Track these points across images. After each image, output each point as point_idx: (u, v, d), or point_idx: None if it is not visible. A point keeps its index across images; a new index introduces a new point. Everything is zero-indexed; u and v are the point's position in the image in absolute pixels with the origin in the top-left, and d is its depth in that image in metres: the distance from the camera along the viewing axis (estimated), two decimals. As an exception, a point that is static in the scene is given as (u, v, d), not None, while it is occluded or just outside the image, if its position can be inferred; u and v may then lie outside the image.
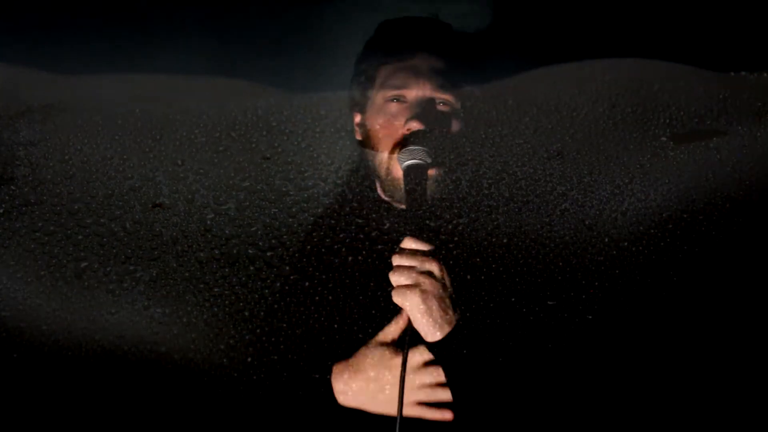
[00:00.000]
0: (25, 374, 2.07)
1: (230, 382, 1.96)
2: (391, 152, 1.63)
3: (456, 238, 1.80)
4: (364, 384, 1.50)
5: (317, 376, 1.78)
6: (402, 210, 1.63)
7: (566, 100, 2.22)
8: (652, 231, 2.23)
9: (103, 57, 2.24)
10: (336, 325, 1.76)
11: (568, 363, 1.68)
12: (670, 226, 2.24)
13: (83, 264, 2.09)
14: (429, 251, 1.43)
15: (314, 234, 1.78)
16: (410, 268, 1.41)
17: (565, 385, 1.64)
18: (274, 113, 2.12)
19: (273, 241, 1.94)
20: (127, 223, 2.09)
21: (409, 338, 1.40)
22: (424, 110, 1.59)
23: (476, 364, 1.44)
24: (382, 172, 1.66)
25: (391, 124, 1.62)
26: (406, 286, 1.39)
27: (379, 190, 1.73)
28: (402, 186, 1.57)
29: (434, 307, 1.38)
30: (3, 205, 2.10)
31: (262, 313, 1.91)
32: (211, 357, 2.00)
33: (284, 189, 2.00)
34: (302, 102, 2.09)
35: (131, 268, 2.06)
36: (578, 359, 1.74)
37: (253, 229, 2.00)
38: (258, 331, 1.91)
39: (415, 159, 1.54)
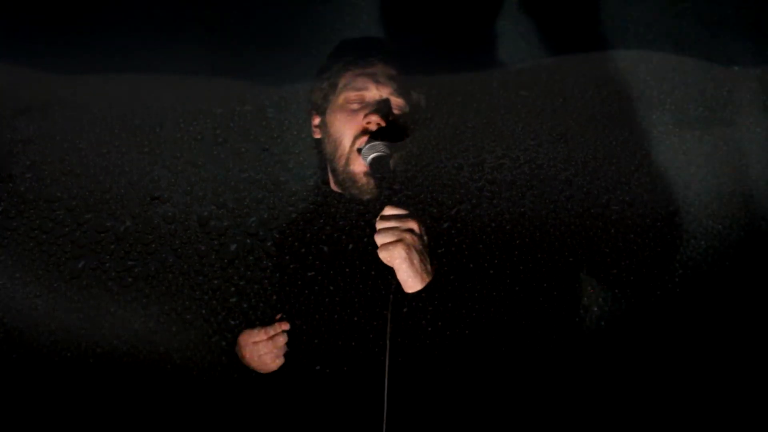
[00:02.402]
0: (24, 372, 2.05)
1: (230, 377, 1.94)
2: (352, 145, 1.82)
3: (458, 224, 1.79)
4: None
5: (318, 368, 1.78)
6: (351, 200, 1.85)
7: (573, 87, 2.21)
8: (659, 224, 2.21)
9: (103, 57, 2.23)
10: (336, 315, 1.75)
11: (565, 355, 1.81)
12: (677, 219, 2.22)
13: (82, 260, 2.07)
14: (407, 214, 1.63)
15: (314, 223, 1.83)
16: (393, 228, 1.61)
17: (560, 376, 1.78)
18: (273, 105, 2.11)
19: (272, 231, 1.94)
20: (126, 218, 2.08)
21: (394, 289, 1.60)
22: (381, 108, 1.82)
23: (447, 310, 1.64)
24: (341, 165, 1.84)
25: (351, 118, 1.83)
26: (391, 243, 1.60)
27: (332, 184, 1.91)
28: (358, 180, 1.81)
29: (416, 260, 1.59)
30: (2, 203, 2.09)
31: (261, 305, 1.89)
32: (210, 351, 1.98)
33: (283, 179, 2.00)
34: (301, 93, 2.09)
35: (130, 263, 2.05)
36: (578, 351, 1.81)
37: (252, 219, 1.99)
38: (258, 323, 1.89)
39: (377, 152, 1.74)
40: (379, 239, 1.62)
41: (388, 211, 1.66)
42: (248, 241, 1.90)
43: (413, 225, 1.61)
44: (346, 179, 1.84)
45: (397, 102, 1.86)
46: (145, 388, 2.03)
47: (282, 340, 1.80)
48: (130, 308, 2.07)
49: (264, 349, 1.80)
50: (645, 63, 2.28)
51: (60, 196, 2.09)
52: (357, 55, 1.92)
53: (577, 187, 1.99)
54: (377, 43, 2.03)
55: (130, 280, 2.05)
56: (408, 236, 1.59)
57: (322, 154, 1.93)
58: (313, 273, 1.82)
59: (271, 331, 1.80)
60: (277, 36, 2.22)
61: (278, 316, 1.86)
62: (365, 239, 1.75)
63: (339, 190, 1.89)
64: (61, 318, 2.07)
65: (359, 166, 1.81)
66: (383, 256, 1.61)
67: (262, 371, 1.84)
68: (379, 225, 1.64)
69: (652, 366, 2.06)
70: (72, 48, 2.23)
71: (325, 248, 1.82)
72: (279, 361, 1.81)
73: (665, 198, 2.20)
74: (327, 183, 1.94)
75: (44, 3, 2.25)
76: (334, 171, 1.89)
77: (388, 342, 1.57)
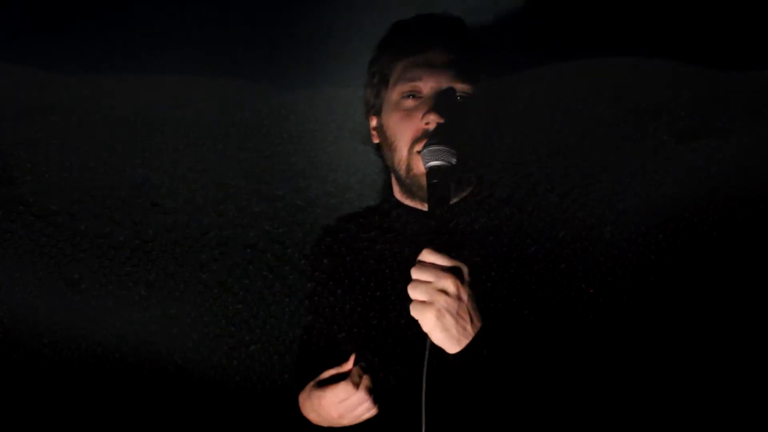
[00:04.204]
0: (23, 375, 2.07)
1: (230, 383, 1.96)
2: (410, 149, 1.57)
3: (457, 237, 1.79)
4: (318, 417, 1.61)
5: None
6: (420, 211, 1.59)
7: (568, 98, 2.21)
8: (653, 230, 2.22)
9: (103, 57, 2.23)
10: (336, 326, 1.74)
11: (570, 361, 1.68)
12: (672, 224, 2.23)
13: (82, 265, 2.09)
14: (447, 267, 1.40)
15: (317, 233, 1.77)
16: (427, 283, 1.39)
17: (567, 382, 1.64)
18: (275, 111, 2.11)
19: (272, 242, 1.93)
20: (126, 224, 2.08)
21: (429, 349, 1.40)
22: (441, 102, 1.53)
23: (490, 368, 1.44)
24: (402, 171, 1.60)
25: (408, 119, 1.56)
26: (423, 302, 1.39)
27: (397, 193, 1.68)
28: (424, 183, 1.51)
29: (449, 324, 1.38)
30: (2, 206, 2.10)
31: (261, 313, 1.89)
32: (210, 358, 2.00)
33: (284, 191, 1.99)
34: (301, 100, 2.08)
35: (129, 269, 2.06)
36: (580, 357, 1.75)
37: (253, 230, 1.99)
38: (258, 331, 1.90)
39: (439, 160, 1.47)
40: (412, 293, 1.40)
41: (427, 256, 1.41)
42: (249, 251, 1.89)
43: (448, 284, 1.36)
44: (413, 185, 1.58)
45: (460, 88, 1.56)
46: (145, 393, 2.05)
47: (368, 382, 1.51)
48: (131, 312, 2.09)
49: (356, 401, 1.50)
50: (641, 71, 2.28)
51: (61, 200, 2.10)
52: (408, 40, 1.62)
53: (572, 200, 1.99)
54: (432, 22, 1.67)
55: (131, 284, 2.07)
56: (441, 299, 1.36)
57: (383, 161, 1.68)
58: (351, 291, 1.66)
59: (356, 378, 1.51)
60: (279, 42, 2.22)
61: (352, 358, 1.57)
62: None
63: (407, 201, 1.65)
64: (61, 321, 2.08)
65: (422, 167, 1.52)
66: (414, 314, 1.40)
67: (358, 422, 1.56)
68: (414, 274, 1.41)
69: (654, 373, 2.08)
70: (74, 48, 2.23)
71: (343, 258, 1.67)
72: (375, 407, 1.52)
73: (661, 207, 2.22)
74: (391, 193, 1.70)
75: (44, 3, 2.25)
76: (398, 180, 1.63)
77: (423, 403, 1.39)
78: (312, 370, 1.64)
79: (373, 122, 1.69)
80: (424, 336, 1.40)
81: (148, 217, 2.06)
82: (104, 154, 2.13)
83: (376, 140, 1.67)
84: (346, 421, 1.53)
